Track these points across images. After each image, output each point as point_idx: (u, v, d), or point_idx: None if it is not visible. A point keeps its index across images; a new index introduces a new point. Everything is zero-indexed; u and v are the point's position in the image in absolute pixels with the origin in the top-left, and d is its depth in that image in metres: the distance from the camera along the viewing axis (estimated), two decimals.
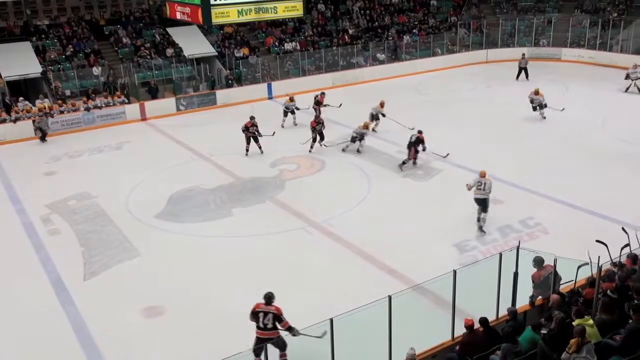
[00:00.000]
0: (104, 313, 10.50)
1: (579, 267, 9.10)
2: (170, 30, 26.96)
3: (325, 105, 21.74)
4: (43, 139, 20.70)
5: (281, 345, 8.53)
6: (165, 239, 13.31)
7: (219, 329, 9.82)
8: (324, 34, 29.95)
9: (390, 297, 7.51)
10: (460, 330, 8.08)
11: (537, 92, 20.73)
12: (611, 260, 9.39)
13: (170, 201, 15.23)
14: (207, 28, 26.38)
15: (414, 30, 31.58)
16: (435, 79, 28.00)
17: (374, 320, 7.85)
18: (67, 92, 23.52)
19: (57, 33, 25.59)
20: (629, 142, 17.85)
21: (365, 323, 8.32)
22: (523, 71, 26.99)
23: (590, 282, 8.57)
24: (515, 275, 9.19)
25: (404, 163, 16.77)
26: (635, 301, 7.39)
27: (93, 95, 23.00)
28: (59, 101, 22.32)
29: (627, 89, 23.67)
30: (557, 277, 9.05)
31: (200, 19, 18.28)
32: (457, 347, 8.02)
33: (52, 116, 21.43)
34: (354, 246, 12.54)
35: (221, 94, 25.13)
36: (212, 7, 17.60)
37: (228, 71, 26.11)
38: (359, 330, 8.54)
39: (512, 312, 8.22)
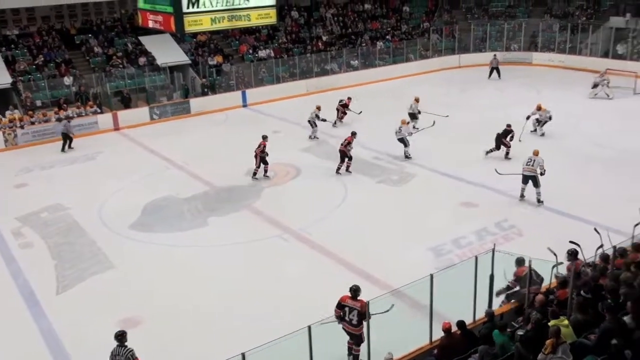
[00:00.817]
0: (78, 326, 10.31)
1: (553, 268, 9.21)
2: (142, 38, 26.75)
3: (347, 110, 22.02)
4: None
5: (358, 341, 8.53)
6: (140, 249, 13.14)
7: (197, 338, 9.72)
8: (298, 41, 30.00)
9: (368, 303, 7.50)
10: (438, 334, 8.11)
11: (540, 108, 19.59)
12: (584, 260, 9.52)
13: (144, 211, 15.06)
14: (180, 36, 26.23)
15: (387, 37, 31.80)
16: (409, 84, 28.17)
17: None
18: (38, 103, 23.15)
19: (27, 43, 25.21)
20: (600, 145, 18.12)
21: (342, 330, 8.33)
22: (495, 71, 28.07)
23: (561, 282, 8.66)
24: (491, 277, 9.26)
25: (490, 151, 17.31)
26: (609, 301, 7.49)
27: (65, 105, 22.69)
28: (30, 112, 21.98)
29: (596, 94, 23.96)
30: (538, 278, 9.17)
31: (173, 27, 18.10)
32: (435, 351, 8.04)
33: (22, 127, 21.12)
34: (331, 253, 12.52)
35: (195, 103, 24.98)
36: (184, 15, 17.44)
37: (203, 79, 25.98)
38: (338, 336, 8.53)
39: (490, 314, 8.26)
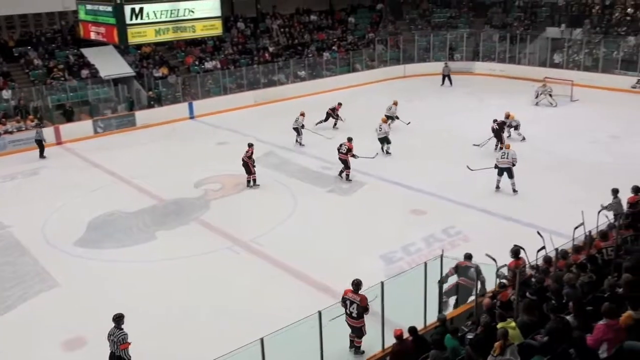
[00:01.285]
0: (20, 349, 9.94)
1: (496, 272, 9.47)
2: (85, 50, 26.12)
3: (337, 116, 22.54)
4: None
5: (359, 334, 8.97)
6: (85, 266, 12.80)
7: (146, 357, 9.49)
8: (245, 52, 29.91)
9: (320, 313, 7.52)
10: (390, 341, 8.18)
11: (508, 116, 20.09)
12: (529, 263, 9.80)
13: (90, 227, 14.69)
14: (124, 48, 25.78)
15: (334, 47, 32.08)
16: (356, 94, 28.48)
17: (305, 336, 7.83)
18: None
19: None
20: (542, 150, 18.72)
21: (297, 340, 8.29)
22: (447, 78, 29.23)
23: (502, 286, 8.90)
24: (440, 282, 9.42)
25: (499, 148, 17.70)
26: (553, 302, 7.72)
27: (3, 119, 21.92)
28: None
29: (537, 103, 24.76)
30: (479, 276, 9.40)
31: (116, 39, 17.86)
32: (388, 358, 8.10)
33: None
34: (282, 263, 12.50)
35: (141, 115, 24.56)
36: (128, 27, 17.23)
37: (149, 91, 25.57)
38: (291, 347, 8.48)
39: (441, 319, 8.38)
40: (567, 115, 22.37)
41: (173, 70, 27.26)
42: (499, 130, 18.98)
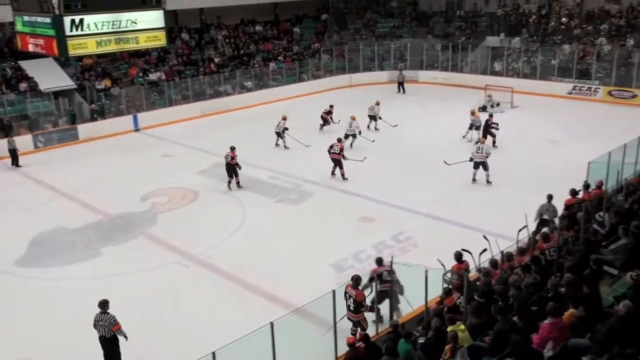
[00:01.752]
0: None
1: (443, 276, 9.66)
2: (23, 63, 25.33)
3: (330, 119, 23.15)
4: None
5: (361, 327, 9.25)
6: (28, 285, 12.36)
7: None
8: (190, 63, 29.62)
9: (272, 324, 7.47)
10: (343, 349, 8.19)
11: (473, 113, 21.44)
12: (476, 267, 10.03)
13: (32, 245, 14.21)
14: (64, 60, 25.13)
15: (280, 57, 32.14)
16: (302, 104, 28.57)
17: (258, 348, 7.76)
18: None
19: None
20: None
21: (250, 352, 8.21)
22: (401, 85, 30.16)
23: (446, 292, 9.07)
24: (391, 288, 9.52)
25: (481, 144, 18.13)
26: (500, 303, 7.91)
27: None
28: None
29: (485, 109, 25.29)
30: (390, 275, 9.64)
31: (56, 50, 17.35)
32: None
33: None
34: (233, 275, 12.38)
35: (83, 129, 23.97)
36: (68, 38, 16.78)
37: (92, 104, 24.95)
38: (244, 359, 8.39)
39: (393, 325, 8.45)
40: (508, 122, 22.99)
41: (116, 82, 26.73)
42: (486, 127, 20.28)
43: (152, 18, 18.47)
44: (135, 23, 18.12)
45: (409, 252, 12.90)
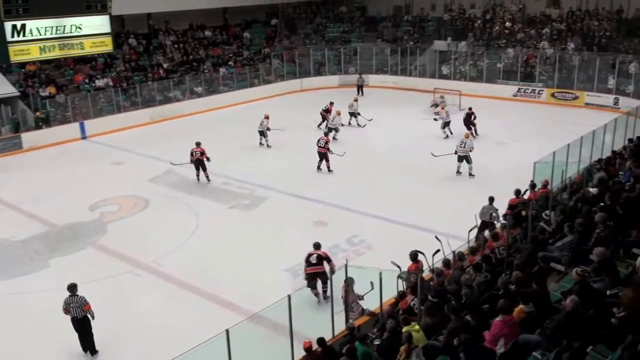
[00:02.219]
0: None
1: (398, 277, 9.77)
2: None
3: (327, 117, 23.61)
4: None
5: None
6: None
7: None
8: (138, 69, 29.09)
9: (227, 331, 7.41)
10: (300, 354, 8.19)
11: (442, 108, 23.42)
12: (430, 267, 10.19)
13: None
14: (6, 67, 24.31)
15: (230, 63, 31.94)
16: (254, 109, 28.45)
17: (214, 356, 7.68)
18: None
19: None
20: (435, 158, 19.47)
21: None
22: (360, 88, 30.80)
23: (400, 295, 9.20)
24: (347, 292, 9.57)
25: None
26: (453, 303, 8.05)
27: None
28: None
29: (436, 113, 25.78)
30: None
31: None
32: None
33: None
34: (187, 283, 12.22)
35: (27, 137, 23.24)
36: (9, 44, 16.35)
37: (36, 112, 24.19)
38: None
39: (350, 328, 8.51)
40: (456, 124, 23.47)
41: (61, 89, 26.01)
42: (466, 119, 22.01)
43: (98, 23, 18.21)
44: (80, 28, 17.83)
45: (363, 254, 13.00)
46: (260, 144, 21.88)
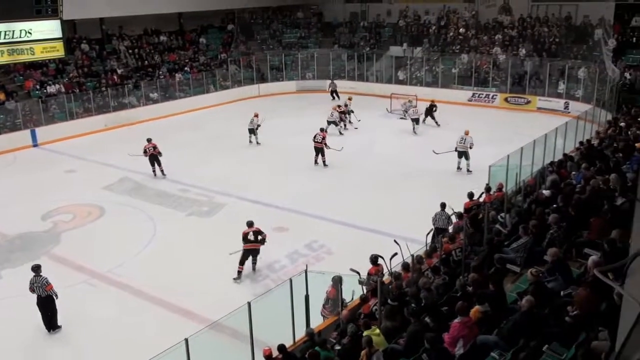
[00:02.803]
0: None
1: (359, 282, 9.81)
2: None
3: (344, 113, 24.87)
4: None
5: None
6: None
7: None
8: (91, 74, 28.49)
9: (187, 340, 7.30)
10: None
11: (411, 106, 25.20)
12: (389, 270, 10.26)
13: None
14: None
15: (186, 68, 31.61)
16: (210, 115, 28.25)
17: None
18: None
19: None
20: (393, 163, 19.70)
21: None
22: (335, 93, 31.12)
23: (363, 299, 9.24)
24: (307, 297, 9.55)
25: (424, 121, 24.32)
26: (412, 305, 8.13)
27: None
28: None
29: (402, 117, 26.08)
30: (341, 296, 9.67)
31: None
32: None
33: None
34: (144, 292, 12.00)
35: None
36: None
37: None
38: None
39: (310, 334, 8.49)
40: (409, 128, 23.79)
41: (11, 96, 25.26)
42: (428, 109, 24.65)
43: (48, 28, 17.78)
44: (30, 33, 17.39)
45: (323, 259, 13.02)
46: (250, 141, 22.38)
